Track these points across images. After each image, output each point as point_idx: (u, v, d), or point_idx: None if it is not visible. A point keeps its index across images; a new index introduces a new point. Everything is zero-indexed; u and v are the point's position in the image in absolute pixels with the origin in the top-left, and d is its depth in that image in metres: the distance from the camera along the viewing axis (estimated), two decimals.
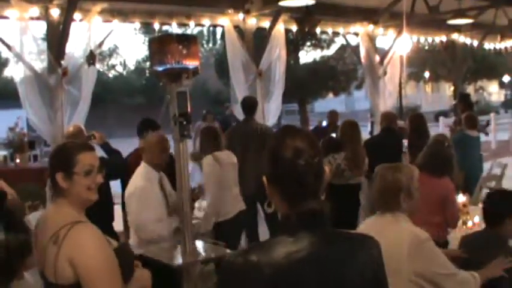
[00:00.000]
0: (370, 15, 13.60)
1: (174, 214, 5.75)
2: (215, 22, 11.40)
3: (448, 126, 13.49)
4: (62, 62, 8.69)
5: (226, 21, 11.16)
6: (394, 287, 3.82)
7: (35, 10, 8.62)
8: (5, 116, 23.78)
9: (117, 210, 7.20)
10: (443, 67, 36.05)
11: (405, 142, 9.28)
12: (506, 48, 19.34)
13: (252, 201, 7.78)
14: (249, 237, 8.33)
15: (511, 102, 27.41)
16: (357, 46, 14.28)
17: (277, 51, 11.61)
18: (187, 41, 4.90)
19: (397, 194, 3.99)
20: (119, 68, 57.05)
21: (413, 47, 16.70)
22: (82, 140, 6.54)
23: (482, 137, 10.63)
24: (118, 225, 7.09)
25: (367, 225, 4.23)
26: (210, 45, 50.59)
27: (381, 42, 15.78)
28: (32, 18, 8.64)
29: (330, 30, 13.74)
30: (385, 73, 14.13)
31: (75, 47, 8.99)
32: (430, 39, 16.90)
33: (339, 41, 31.47)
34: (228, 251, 5.25)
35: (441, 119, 26.40)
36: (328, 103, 44.05)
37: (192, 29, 14.28)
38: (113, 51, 54.09)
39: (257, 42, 11.75)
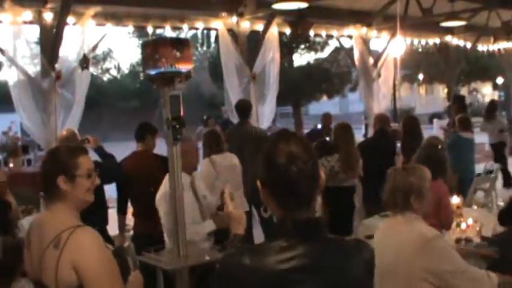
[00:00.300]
0: (363, 17, 13.63)
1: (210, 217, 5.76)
2: (209, 25, 11.39)
3: (442, 129, 13.50)
4: (56, 66, 8.67)
5: (219, 24, 11.15)
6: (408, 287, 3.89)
7: (28, 14, 8.60)
8: None
9: (112, 214, 7.20)
10: (437, 69, 36.13)
11: (398, 144, 9.29)
12: (499, 50, 19.39)
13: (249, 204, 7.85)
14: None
15: (505, 104, 27.37)
16: (351, 49, 14.33)
17: (270, 54, 11.62)
18: (180, 44, 4.90)
19: (407, 196, 4.04)
20: (113, 72, 56.97)
21: (407, 49, 16.73)
22: (76, 143, 6.53)
23: (476, 139, 10.63)
24: (112, 229, 7.09)
25: (381, 228, 4.32)
26: (204, 48, 50.54)
27: (375, 45, 15.83)
28: (25, 22, 8.62)
29: (323, 33, 13.75)
30: (379, 75, 14.16)
31: (69, 51, 8.98)
32: (423, 42, 16.94)
33: (333, 44, 31.52)
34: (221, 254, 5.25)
35: (435, 121, 26.43)
36: (323, 106, 44.03)
37: (186, 32, 14.26)
38: (107, 55, 53.94)
39: (251, 45, 11.75)
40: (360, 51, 13.89)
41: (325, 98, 38.24)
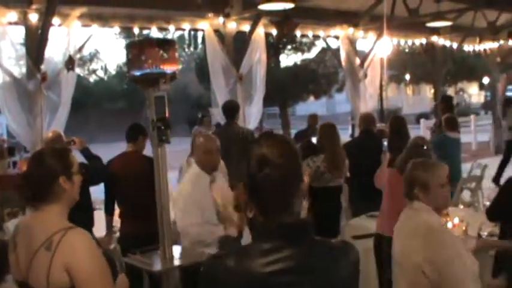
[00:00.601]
0: (350, 18, 13.66)
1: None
2: (195, 26, 11.38)
3: (429, 129, 13.54)
4: (41, 67, 8.64)
5: (206, 25, 11.15)
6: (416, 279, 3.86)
7: (13, 15, 8.56)
8: None
9: (97, 215, 7.16)
10: (423, 69, 36.24)
11: (385, 142, 9.28)
12: (485, 50, 19.49)
13: None
14: None
15: (491, 104, 27.45)
16: (338, 49, 14.34)
17: (257, 55, 11.62)
18: (166, 45, 4.88)
19: (412, 187, 4.18)
20: (100, 73, 56.76)
21: (393, 49, 16.79)
22: (61, 145, 6.51)
23: (463, 139, 10.67)
24: (99, 231, 7.06)
25: (399, 219, 4.39)
26: (191, 49, 50.46)
27: (361, 45, 15.86)
28: (10, 23, 8.59)
29: (310, 33, 13.79)
30: (365, 76, 14.19)
31: (54, 52, 8.95)
32: (410, 42, 17.00)
33: (320, 44, 31.58)
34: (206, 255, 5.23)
35: (422, 121, 26.48)
36: (310, 106, 44.10)
37: (172, 33, 14.22)
38: (93, 56, 53.73)
39: (237, 46, 11.75)
40: (347, 52, 13.92)
41: (312, 98, 38.30)
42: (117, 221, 7.25)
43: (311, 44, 32.29)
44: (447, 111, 10.80)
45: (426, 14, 12.86)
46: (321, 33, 13.75)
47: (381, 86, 17.80)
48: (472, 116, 26.79)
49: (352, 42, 14.03)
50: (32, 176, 3.23)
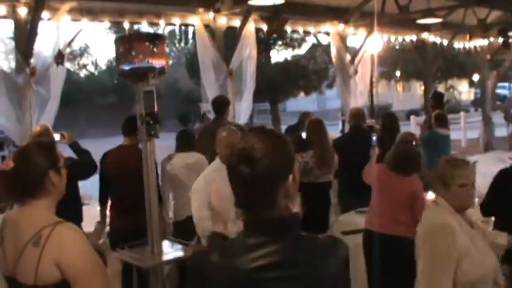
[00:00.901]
0: (340, 14, 13.65)
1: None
2: (185, 21, 11.35)
3: (419, 125, 13.54)
4: (31, 62, 8.59)
5: (196, 20, 11.12)
6: None
7: (1, 9, 8.53)
8: None
9: (86, 211, 7.14)
10: (413, 66, 36.31)
11: (374, 137, 9.28)
12: (475, 47, 19.52)
13: None
14: None
15: (481, 101, 27.44)
16: (328, 45, 14.32)
17: (247, 51, 11.61)
18: (155, 40, 4.87)
19: (436, 181, 4.20)
20: (90, 68, 56.59)
21: (384, 46, 16.79)
22: (48, 139, 6.48)
23: (452, 135, 10.69)
24: (87, 226, 7.03)
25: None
26: (182, 44, 50.38)
27: (352, 42, 15.87)
28: None
29: (300, 29, 13.77)
30: (356, 72, 14.19)
31: (44, 46, 8.90)
32: (400, 39, 17.00)
33: (310, 40, 31.58)
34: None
35: (412, 117, 26.50)
36: (300, 102, 44.16)
37: (163, 28, 14.20)
38: (84, 51, 53.56)
39: (228, 41, 11.74)
40: (337, 48, 13.92)
41: (302, 94, 38.29)
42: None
43: (301, 40, 32.28)
44: (437, 108, 10.83)
45: (417, 10, 12.87)
46: (311, 29, 13.72)
47: (371, 83, 17.77)
48: (462, 113, 26.82)
49: (342, 38, 14.03)
50: (21, 172, 3.20)
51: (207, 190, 5.57)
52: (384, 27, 14.21)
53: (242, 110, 11.62)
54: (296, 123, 11.78)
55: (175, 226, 7.32)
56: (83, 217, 6.93)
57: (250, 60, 11.71)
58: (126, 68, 4.82)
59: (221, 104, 8.98)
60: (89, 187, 7.11)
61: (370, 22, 13.33)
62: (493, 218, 6.00)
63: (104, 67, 56.61)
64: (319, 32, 14.06)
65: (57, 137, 6.87)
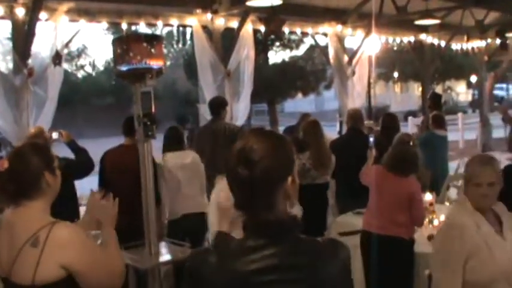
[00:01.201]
0: (338, 15, 13.65)
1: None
2: (183, 22, 11.33)
3: (416, 126, 13.52)
4: (28, 62, 8.58)
5: (194, 21, 11.11)
6: None
7: None
8: None
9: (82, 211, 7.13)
10: (411, 67, 36.33)
11: (371, 138, 9.28)
12: (473, 48, 19.53)
13: None
14: None
15: (478, 102, 27.39)
16: (326, 46, 14.32)
17: (245, 52, 11.60)
18: (152, 40, 4.87)
19: (464, 182, 4.17)
20: (88, 69, 56.52)
21: (382, 47, 16.78)
22: (43, 141, 6.49)
23: (450, 137, 10.70)
24: None
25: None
26: (180, 45, 50.34)
27: (350, 43, 15.85)
28: None
29: (298, 30, 13.75)
30: (353, 73, 14.18)
31: (42, 47, 8.88)
32: (398, 40, 16.99)
33: (308, 42, 31.61)
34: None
35: (410, 118, 26.57)
36: (298, 103, 44.15)
37: (161, 29, 14.18)
38: (81, 52, 53.52)
39: (225, 42, 11.73)
40: (335, 49, 13.92)
41: (300, 95, 38.29)
42: None
43: (299, 41, 32.27)
44: (435, 109, 10.83)
45: (414, 12, 12.87)
46: (309, 30, 13.71)
47: (369, 84, 17.79)
48: (460, 114, 26.90)
49: (340, 39, 14.03)
50: (15, 173, 3.20)
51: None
52: (381, 28, 14.20)
53: (240, 111, 11.61)
54: (294, 125, 11.80)
55: (169, 225, 7.31)
56: (80, 217, 6.92)
57: (248, 61, 11.70)
58: (124, 68, 4.82)
59: (217, 105, 8.97)
60: (87, 188, 7.09)
61: (368, 23, 13.30)
62: None
63: (101, 68, 56.58)
64: (317, 33, 14.06)
65: (55, 135, 6.88)
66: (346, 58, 14.13)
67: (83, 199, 7.16)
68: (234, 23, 11.65)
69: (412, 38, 16.82)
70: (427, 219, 6.39)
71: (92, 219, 3.65)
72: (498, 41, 16.81)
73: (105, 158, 7.11)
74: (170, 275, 6.55)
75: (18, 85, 8.51)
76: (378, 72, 42.85)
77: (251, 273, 2.13)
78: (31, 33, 8.64)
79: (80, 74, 55.47)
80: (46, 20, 8.98)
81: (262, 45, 28.13)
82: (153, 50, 4.77)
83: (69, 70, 48.28)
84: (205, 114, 10.48)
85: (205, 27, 11.29)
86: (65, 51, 9.38)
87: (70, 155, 6.88)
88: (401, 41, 17.06)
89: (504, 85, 56.11)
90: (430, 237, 6.14)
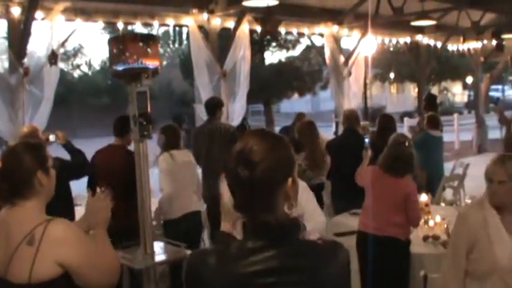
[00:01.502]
0: (335, 16, 13.66)
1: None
2: (179, 22, 11.32)
3: (410, 127, 13.49)
4: (24, 62, 8.56)
5: (190, 21, 11.10)
6: None
7: None
8: None
9: (80, 211, 7.11)
10: (407, 68, 36.34)
11: (366, 139, 9.28)
12: (469, 49, 19.56)
13: (215, 201, 7.75)
14: (211, 238, 8.29)
15: (474, 103, 27.34)
16: (322, 47, 14.31)
17: (241, 52, 11.59)
18: (148, 40, 4.86)
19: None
20: (84, 68, 56.46)
21: (378, 48, 16.81)
22: (37, 140, 6.46)
23: (446, 138, 10.71)
24: None
25: None
26: (176, 45, 50.33)
27: (346, 43, 15.88)
28: None
29: (294, 30, 13.76)
30: (350, 74, 14.20)
31: (37, 46, 8.88)
32: (394, 41, 17.01)
33: (304, 42, 31.60)
34: (188, 252, 5.20)
35: (406, 119, 26.58)
36: (294, 104, 44.17)
37: (157, 29, 14.15)
38: (77, 51, 53.43)
39: (222, 42, 11.72)
40: (331, 50, 13.93)
41: (296, 96, 38.30)
42: None
43: (296, 42, 32.29)
44: (431, 110, 10.84)
45: (411, 13, 12.89)
46: (305, 30, 13.71)
47: (365, 84, 17.85)
48: (455, 115, 26.91)
49: (336, 40, 14.04)
50: (8, 172, 3.21)
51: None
52: (378, 29, 14.23)
53: (236, 111, 11.61)
54: (290, 125, 11.80)
55: (169, 225, 7.28)
56: (75, 218, 6.91)
57: (244, 62, 11.69)
58: (120, 68, 4.81)
59: (213, 105, 8.97)
60: (84, 188, 7.08)
61: (364, 24, 13.35)
62: None
63: (97, 67, 56.52)
64: (313, 34, 14.05)
65: (52, 137, 6.84)
66: (342, 59, 14.15)
67: (79, 199, 7.16)
68: (230, 23, 11.65)
69: (408, 39, 16.86)
70: (422, 220, 6.39)
71: (86, 220, 3.65)
72: (494, 42, 16.84)
73: (95, 158, 7.10)
74: (166, 275, 6.54)
75: (14, 84, 8.49)
76: (374, 73, 42.93)
77: (251, 275, 2.11)
78: (27, 33, 8.62)
79: (76, 73, 55.44)
80: (42, 19, 8.97)
81: (258, 46, 28.10)
82: (149, 50, 4.77)
83: (65, 69, 48.26)
84: (201, 114, 10.48)
85: (201, 27, 11.28)
86: (61, 50, 9.36)
87: (68, 156, 6.86)
88: (398, 42, 17.09)
89: (500, 86, 56.14)
90: (426, 238, 6.15)
